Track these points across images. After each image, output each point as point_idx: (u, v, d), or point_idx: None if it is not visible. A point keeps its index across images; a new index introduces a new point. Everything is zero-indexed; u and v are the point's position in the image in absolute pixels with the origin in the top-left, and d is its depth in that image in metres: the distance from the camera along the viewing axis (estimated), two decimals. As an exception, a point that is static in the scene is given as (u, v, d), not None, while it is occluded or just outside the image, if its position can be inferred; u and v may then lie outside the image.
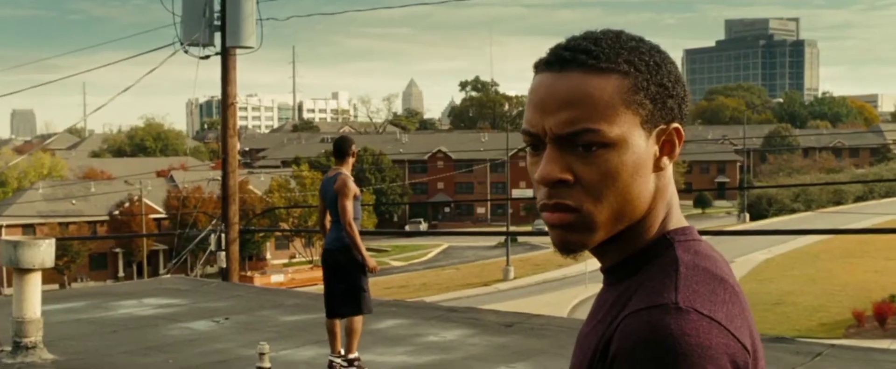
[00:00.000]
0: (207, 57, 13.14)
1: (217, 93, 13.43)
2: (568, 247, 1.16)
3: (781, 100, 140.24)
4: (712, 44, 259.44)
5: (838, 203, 71.62)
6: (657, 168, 1.16)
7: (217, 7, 13.09)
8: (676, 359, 1.00)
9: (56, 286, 47.28)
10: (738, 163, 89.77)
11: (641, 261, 1.16)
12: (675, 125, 1.17)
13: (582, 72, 1.13)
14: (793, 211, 69.55)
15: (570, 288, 40.59)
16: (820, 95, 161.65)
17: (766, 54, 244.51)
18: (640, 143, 1.14)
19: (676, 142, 1.17)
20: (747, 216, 70.10)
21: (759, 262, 46.35)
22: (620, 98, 1.12)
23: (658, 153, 1.17)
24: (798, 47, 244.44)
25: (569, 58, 1.14)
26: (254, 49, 13.21)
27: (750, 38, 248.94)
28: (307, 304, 9.99)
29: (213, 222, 13.82)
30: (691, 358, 1.01)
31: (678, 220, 1.20)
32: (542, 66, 1.17)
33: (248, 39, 13.04)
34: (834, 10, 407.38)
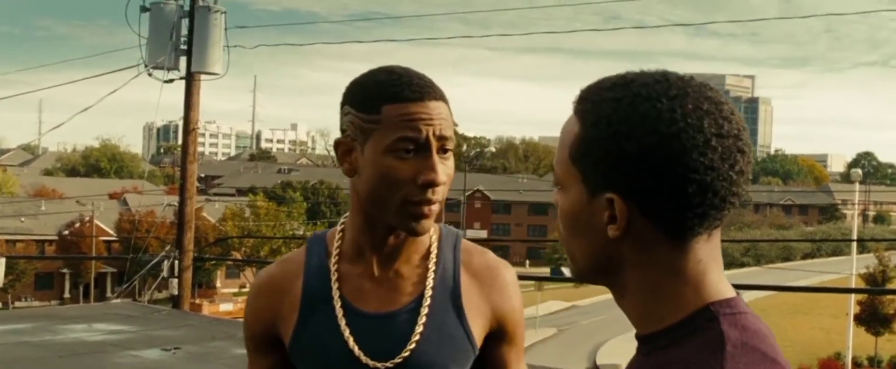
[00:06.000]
0: (171, 81, 13.00)
1: (175, 117, 13.41)
2: (574, 275, 1.10)
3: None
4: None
5: (787, 259, 72.79)
6: (607, 236, 1.02)
7: (184, 31, 13.03)
8: None
9: (-1, 305, 46.22)
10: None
11: (680, 334, 1.01)
12: (612, 196, 1.00)
13: (573, 111, 1.07)
14: (742, 265, 70.45)
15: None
16: (772, 152, 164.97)
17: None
18: (577, 199, 1.04)
19: (617, 215, 1.01)
20: (698, 268, 70.83)
21: (708, 314, 46.74)
22: (569, 147, 1.05)
23: (606, 221, 1.02)
24: (753, 104, 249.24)
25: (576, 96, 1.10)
26: (219, 76, 13.07)
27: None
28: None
29: (167, 248, 13.64)
30: None
31: (719, 290, 1.02)
32: None
33: (214, 66, 12.95)
34: (790, 69, 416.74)
